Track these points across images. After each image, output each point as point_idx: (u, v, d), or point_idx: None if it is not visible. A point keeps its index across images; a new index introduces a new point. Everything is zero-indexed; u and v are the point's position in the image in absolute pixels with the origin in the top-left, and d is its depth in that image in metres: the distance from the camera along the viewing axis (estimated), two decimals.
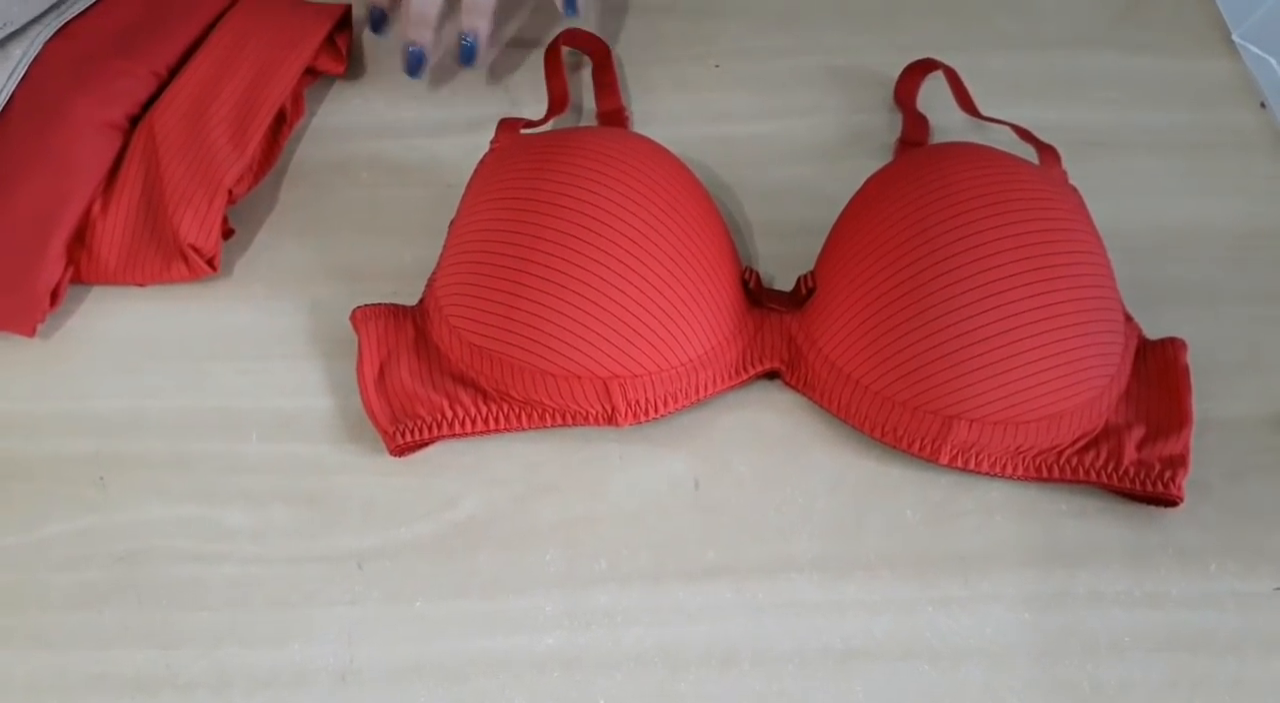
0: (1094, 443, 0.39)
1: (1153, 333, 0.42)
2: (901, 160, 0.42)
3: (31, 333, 0.41)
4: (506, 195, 0.40)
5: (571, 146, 0.41)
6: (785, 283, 0.43)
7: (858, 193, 0.42)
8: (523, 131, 0.45)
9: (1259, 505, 0.38)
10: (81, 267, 0.42)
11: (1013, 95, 0.50)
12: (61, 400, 0.40)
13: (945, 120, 0.49)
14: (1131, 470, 0.38)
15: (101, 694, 0.33)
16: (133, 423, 0.39)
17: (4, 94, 0.43)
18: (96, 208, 0.42)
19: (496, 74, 0.51)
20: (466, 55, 0.47)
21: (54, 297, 0.42)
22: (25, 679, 0.34)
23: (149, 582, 0.36)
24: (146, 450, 0.39)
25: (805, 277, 0.41)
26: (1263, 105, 0.50)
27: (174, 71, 0.46)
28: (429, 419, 0.39)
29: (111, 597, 0.35)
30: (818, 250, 0.43)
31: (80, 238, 0.42)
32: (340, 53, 0.50)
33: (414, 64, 0.47)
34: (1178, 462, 0.38)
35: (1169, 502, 0.38)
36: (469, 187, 0.43)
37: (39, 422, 0.39)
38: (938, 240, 0.38)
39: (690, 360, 0.39)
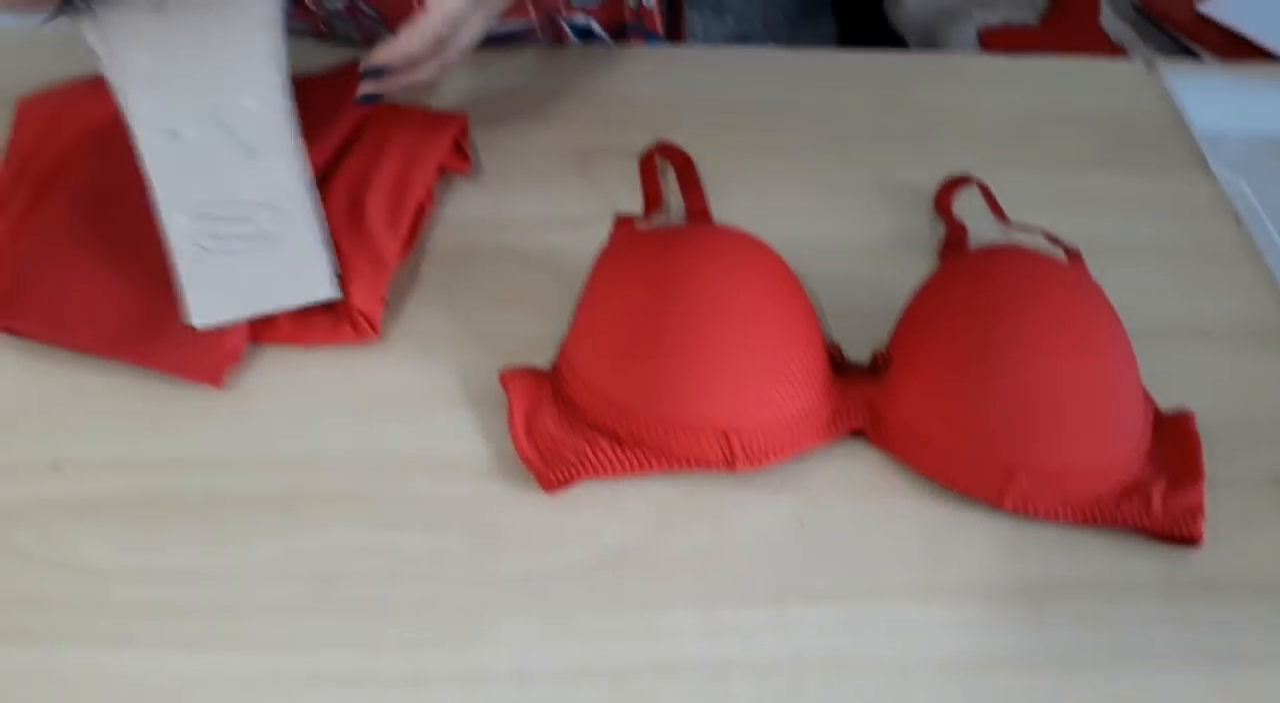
0: (1127, 493, 0.46)
1: (1162, 406, 0.50)
2: (960, 260, 0.50)
3: (219, 384, 0.47)
4: (635, 277, 0.48)
5: (693, 239, 0.49)
6: (855, 358, 0.50)
7: (925, 284, 0.50)
8: (637, 227, 0.53)
9: (1264, 544, 0.46)
10: (258, 328, 0.49)
11: (1027, 207, 0.59)
12: (247, 444, 0.46)
13: (978, 226, 0.58)
14: (1160, 515, 0.46)
15: (317, 689, 0.39)
16: (313, 463, 0.45)
17: None
18: None
19: (593, 177, 0.59)
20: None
21: (235, 354, 0.48)
22: (245, 678, 0.39)
23: (344, 597, 0.41)
24: (329, 487, 0.44)
25: (880, 352, 0.49)
26: (1238, 221, 0.60)
27: (323, 172, 0.53)
28: (575, 461, 0.45)
29: (312, 609, 0.41)
30: (878, 332, 0.50)
31: None
32: (465, 153, 0.58)
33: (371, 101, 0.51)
34: (1196, 509, 0.46)
35: (1192, 541, 0.45)
36: (596, 270, 0.50)
37: (231, 461, 0.45)
38: (996, 324, 0.46)
39: (793, 417, 0.46)
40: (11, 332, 0.47)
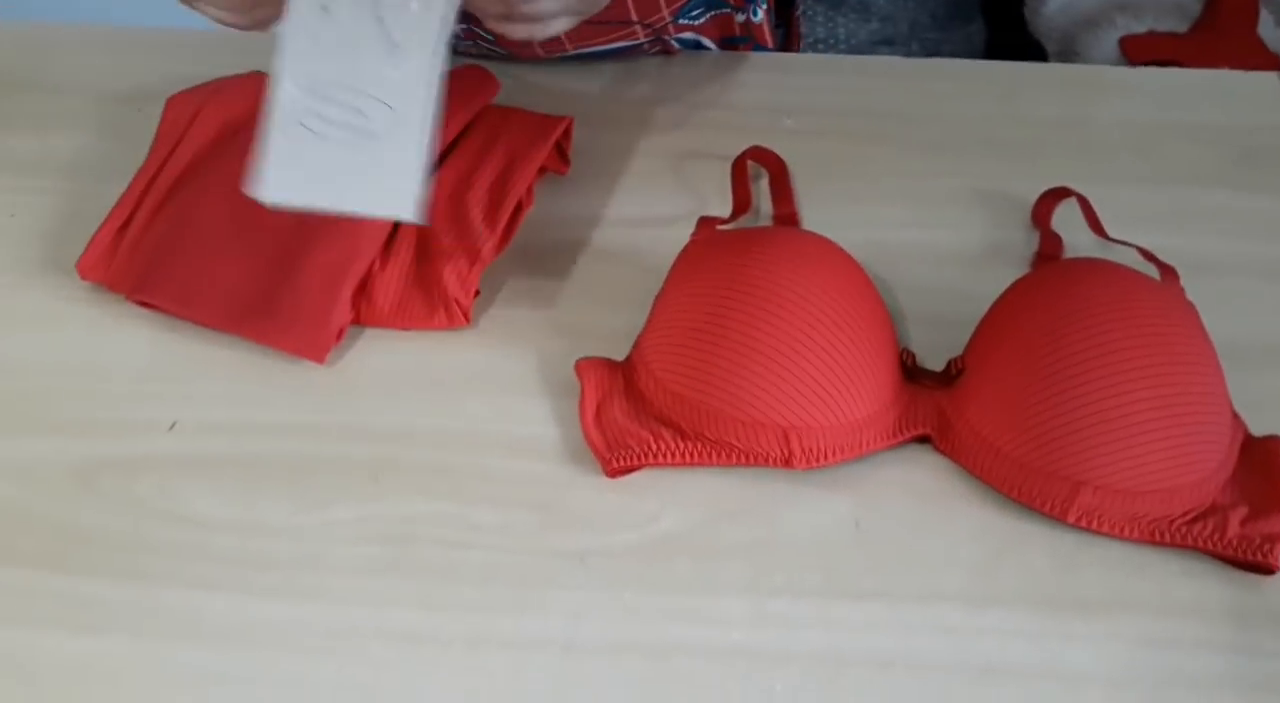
0: (1202, 516, 0.45)
1: (1256, 430, 0.48)
2: (1043, 269, 0.50)
3: (322, 360, 0.51)
4: (710, 276, 0.49)
5: (767, 240, 0.50)
6: (932, 365, 0.50)
7: (1005, 293, 0.50)
8: (719, 228, 0.54)
9: None
10: (361, 311, 0.53)
11: (1134, 224, 0.57)
12: (342, 415, 0.50)
13: (1075, 240, 0.57)
14: (1235, 541, 0.44)
15: (381, 643, 0.42)
16: (400, 436, 0.49)
17: None
18: (377, 265, 0.53)
19: (687, 180, 0.61)
20: None
21: (339, 334, 0.52)
22: (318, 626, 0.43)
23: (414, 560, 0.44)
24: (412, 457, 0.48)
25: (955, 360, 0.49)
26: None
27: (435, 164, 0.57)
28: (638, 449, 0.47)
29: (385, 569, 0.44)
30: (959, 340, 0.50)
31: (363, 288, 0.53)
32: (565, 156, 0.60)
33: None
34: (1276, 537, 0.44)
35: (1267, 570, 0.44)
36: (674, 268, 0.52)
37: (324, 430, 0.49)
38: (1073, 335, 0.45)
39: (856, 420, 0.47)
40: (146, 305, 0.52)
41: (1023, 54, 1.41)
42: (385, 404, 0.50)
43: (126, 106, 0.64)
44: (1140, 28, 1.13)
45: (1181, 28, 1.13)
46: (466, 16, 0.55)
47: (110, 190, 0.56)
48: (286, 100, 0.43)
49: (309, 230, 0.52)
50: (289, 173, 0.43)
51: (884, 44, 1.40)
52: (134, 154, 0.58)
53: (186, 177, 0.56)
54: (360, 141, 0.43)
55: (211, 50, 0.66)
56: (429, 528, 0.45)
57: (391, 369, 0.51)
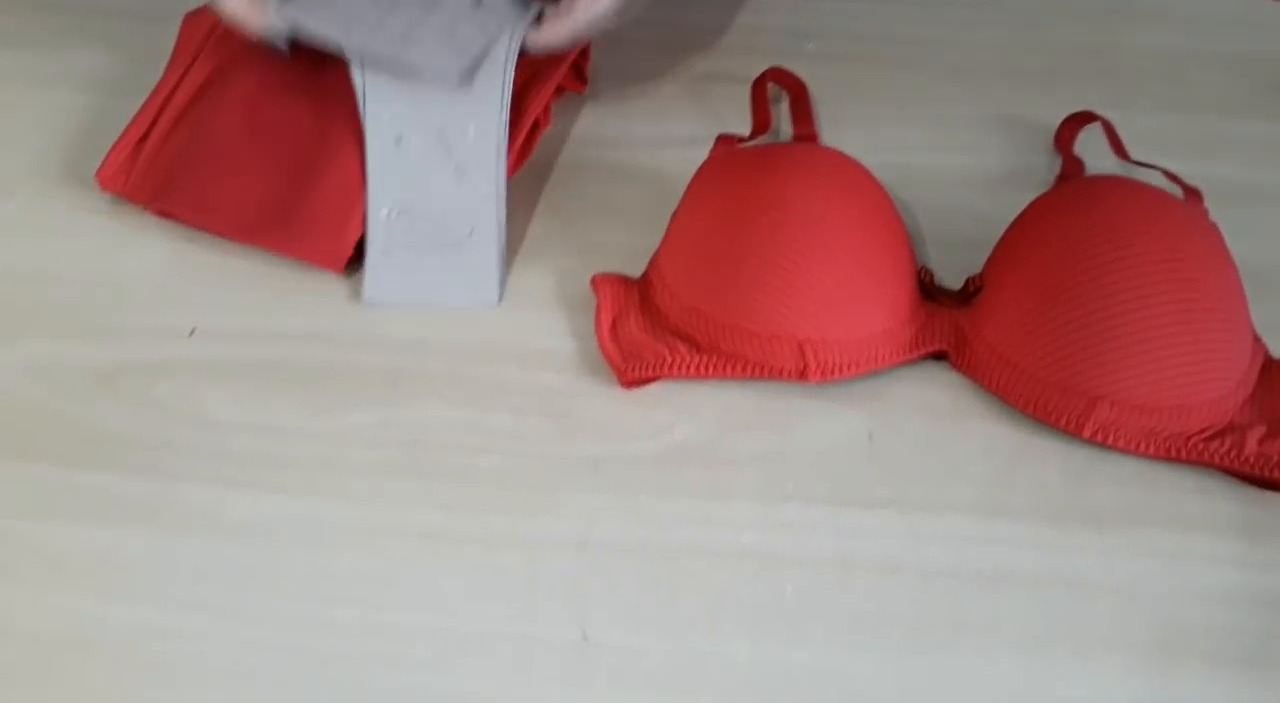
0: (1219, 434, 0.45)
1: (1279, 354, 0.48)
2: (1064, 187, 0.49)
3: (340, 270, 0.51)
4: (728, 191, 0.49)
5: (785, 156, 0.50)
6: (950, 285, 0.50)
7: (1025, 210, 0.50)
8: (738, 146, 0.54)
9: None
10: None
11: (1159, 151, 0.56)
12: (359, 325, 0.50)
13: (1098, 164, 0.56)
14: (1252, 459, 0.44)
15: (396, 539, 0.43)
16: (416, 346, 0.49)
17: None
18: None
19: (707, 102, 0.61)
20: None
21: (356, 244, 0.52)
22: (336, 522, 0.43)
23: (431, 462, 0.45)
24: (428, 367, 0.48)
25: (973, 278, 0.49)
26: None
27: None
28: (653, 361, 0.47)
29: (402, 471, 0.45)
30: (979, 261, 0.50)
31: None
32: (583, 75, 0.60)
33: None
34: None
35: None
36: (692, 184, 0.52)
37: (341, 339, 0.49)
38: (1094, 249, 0.45)
39: (872, 334, 0.47)
40: (164, 214, 0.53)
41: None
42: (402, 317, 0.50)
43: (143, 24, 0.63)
44: None
45: None
46: None
47: (127, 105, 0.56)
48: (379, 223, 0.50)
49: (328, 142, 0.52)
50: (390, 281, 0.50)
51: None
52: (150, 70, 0.58)
53: (204, 89, 0.56)
54: (446, 251, 0.50)
55: None
56: (445, 433, 0.46)
57: None
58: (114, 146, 0.54)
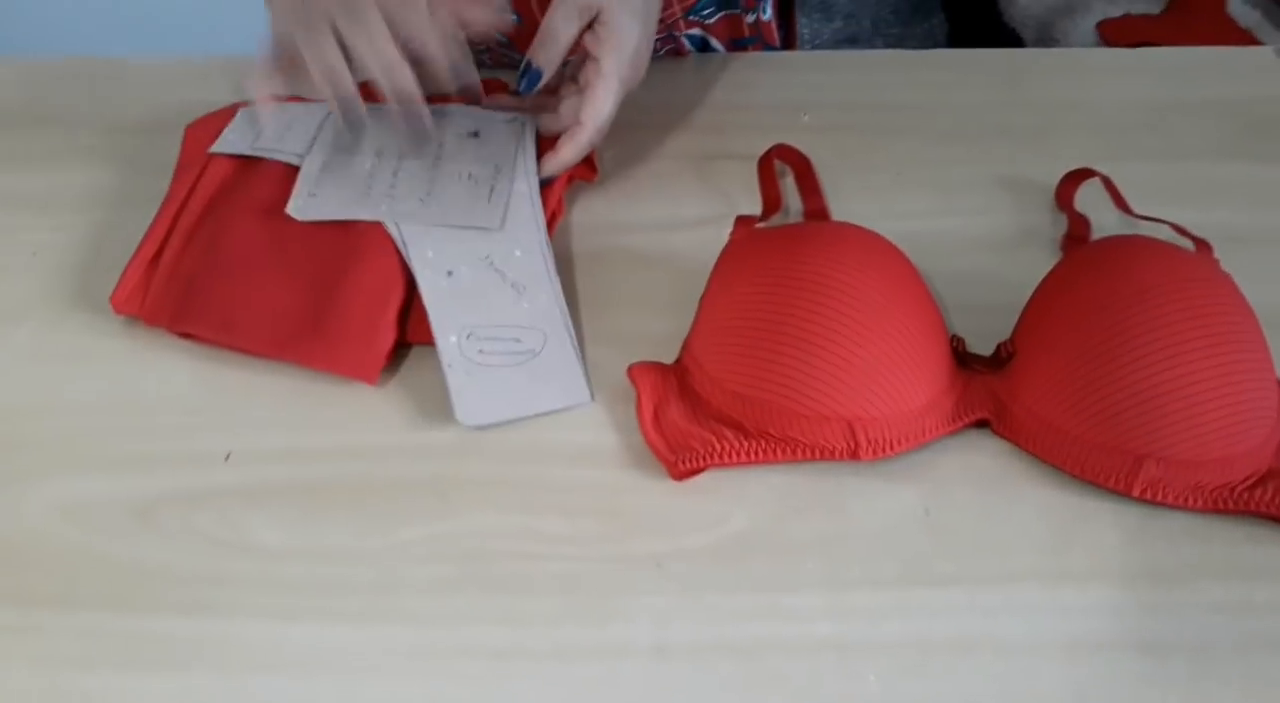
0: (1261, 482, 0.46)
1: None
2: (1088, 249, 0.50)
3: (374, 381, 0.50)
4: (759, 274, 0.49)
5: (812, 235, 0.50)
6: (981, 350, 0.51)
7: (1049, 275, 0.51)
8: (756, 226, 0.55)
9: None
10: (406, 329, 0.52)
11: (1152, 200, 0.59)
12: (399, 435, 0.49)
13: (1100, 220, 0.58)
14: None
15: (470, 661, 0.42)
16: (460, 452, 0.48)
17: None
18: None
19: (713, 181, 0.61)
20: (530, 81, 0.54)
21: (388, 353, 0.51)
22: (403, 649, 0.42)
23: (491, 575, 0.44)
24: (474, 473, 0.47)
25: (1004, 343, 0.50)
26: None
27: None
28: (702, 450, 0.47)
29: (463, 586, 0.44)
30: (1001, 325, 0.51)
31: (406, 305, 0.52)
32: (593, 163, 0.60)
33: (533, 80, 0.54)
34: None
35: None
36: (717, 269, 0.52)
37: (383, 451, 0.49)
38: (1127, 312, 0.46)
39: (917, 408, 0.47)
40: (187, 336, 0.52)
41: (985, 43, 1.44)
42: (441, 422, 0.49)
43: (136, 138, 0.63)
44: (1116, 11, 1.15)
45: (1155, 9, 1.15)
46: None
47: (128, 222, 0.56)
48: (449, 347, 0.50)
49: (349, 251, 0.52)
50: (477, 400, 0.49)
51: (848, 42, 1.42)
52: (149, 185, 0.58)
53: (215, 204, 0.55)
54: (525, 361, 0.50)
55: (216, 78, 0.65)
56: (501, 542, 0.45)
57: (441, 385, 0.50)
58: (127, 267, 0.53)
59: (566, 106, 0.56)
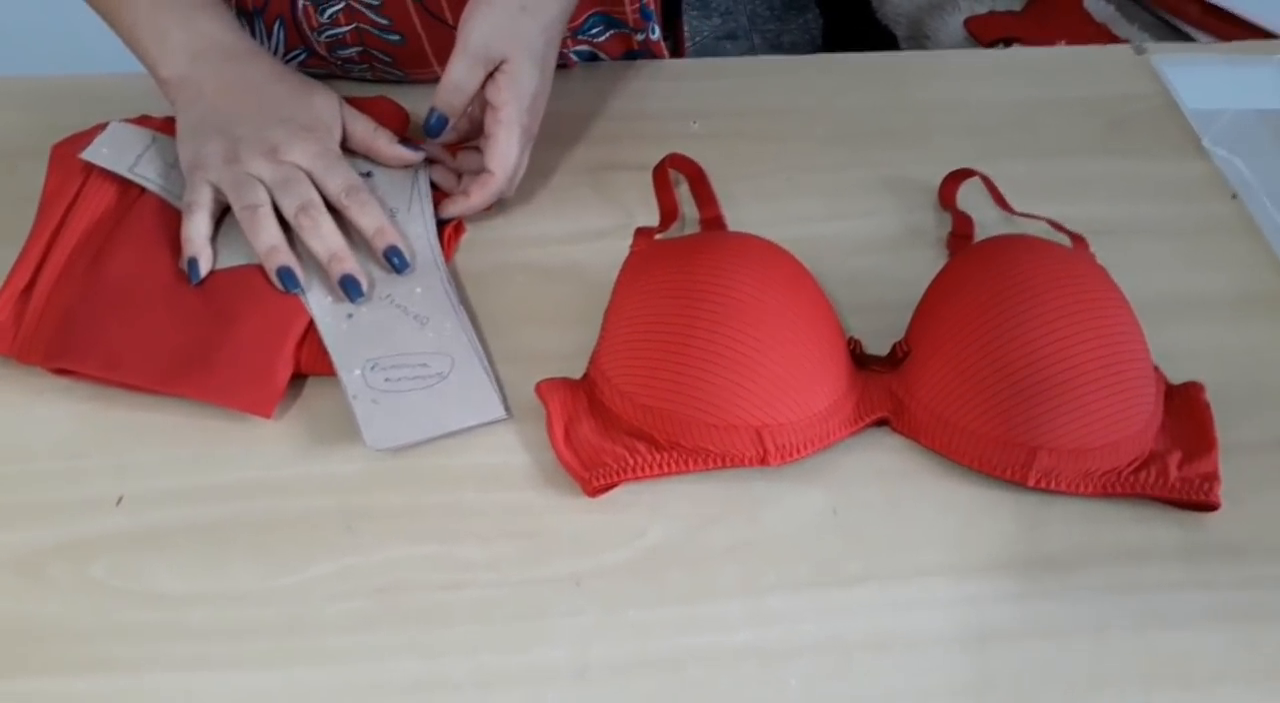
0: (1144, 465, 0.48)
1: (1172, 379, 0.52)
2: (974, 249, 0.52)
3: (270, 415, 0.48)
4: (661, 287, 0.50)
5: (711, 245, 0.51)
6: (877, 350, 0.52)
7: (940, 275, 0.52)
8: (656, 238, 0.55)
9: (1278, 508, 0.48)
10: (301, 360, 0.50)
11: (1028, 195, 0.61)
12: (300, 467, 0.48)
13: (982, 217, 0.60)
14: (1177, 484, 0.47)
15: (389, 696, 0.41)
16: (366, 482, 0.47)
17: None
18: None
19: (609, 192, 0.61)
20: (435, 126, 0.55)
21: (284, 386, 0.50)
22: (320, 689, 0.41)
23: (406, 607, 0.43)
24: (385, 503, 0.46)
25: (899, 343, 0.51)
26: (1234, 196, 0.62)
27: None
28: (615, 465, 0.47)
29: (377, 621, 0.43)
30: (894, 323, 0.52)
31: (303, 336, 0.51)
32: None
33: (438, 124, 0.55)
34: (1212, 476, 0.48)
35: (1209, 507, 0.47)
36: (620, 282, 0.52)
37: (284, 485, 0.47)
38: (1014, 309, 0.48)
39: (820, 411, 0.48)
40: (65, 373, 0.49)
41: (859, 39, 1.48)
42: (343, 451, 0.48)
43: None
44: (982, 9, 1.20)
45: (1017, 6, 1.20)
46: (358, 39, 0.56)
47: None
48: (355, 381, 0.49)
49: (244, 285, 0.50)
50: (385, 424, 0.48)
51: (726, 38, 1.44)
52: (11, 215, 0.55)
53: (92, 236, 0.52)
54: (434, 384, 0.50)
55: (79, 99, 0.62)
56: (415, 573, 0.44)
57: (342, 415, 0.49)
58: None
59: (465, 157, 0.57)
